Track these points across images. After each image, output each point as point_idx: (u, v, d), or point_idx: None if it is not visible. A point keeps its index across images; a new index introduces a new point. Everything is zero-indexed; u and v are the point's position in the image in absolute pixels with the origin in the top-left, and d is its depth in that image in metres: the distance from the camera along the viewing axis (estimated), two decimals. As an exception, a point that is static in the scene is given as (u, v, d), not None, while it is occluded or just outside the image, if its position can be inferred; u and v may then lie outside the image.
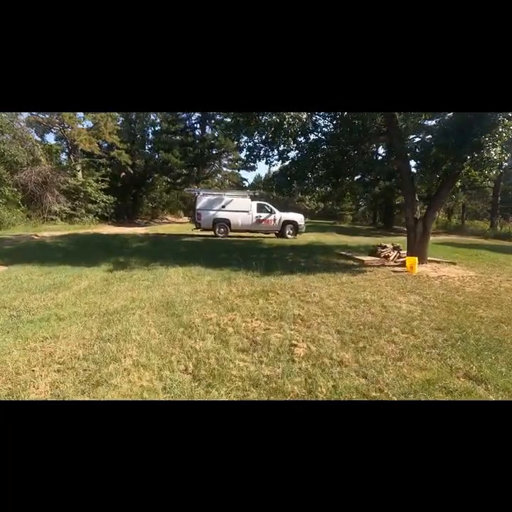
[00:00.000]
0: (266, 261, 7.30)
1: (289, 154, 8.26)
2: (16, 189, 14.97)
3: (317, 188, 8.35)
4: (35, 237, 11.48)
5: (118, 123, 26.30)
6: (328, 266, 6.99)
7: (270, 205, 13.46)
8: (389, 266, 7.26)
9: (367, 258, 7.85)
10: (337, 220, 36.11)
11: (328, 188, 8.53)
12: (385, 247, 8.28)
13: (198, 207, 12.63)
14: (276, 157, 8.23)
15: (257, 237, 13.21)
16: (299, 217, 13.32)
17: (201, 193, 12.84)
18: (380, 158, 18.91)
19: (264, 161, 8.32)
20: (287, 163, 8.31)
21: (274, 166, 8.26)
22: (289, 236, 12.87)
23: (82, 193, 20.61)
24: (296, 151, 8.36)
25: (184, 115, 26.08)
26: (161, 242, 10.63)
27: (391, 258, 7.88)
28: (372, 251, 8.50)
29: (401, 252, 8.21)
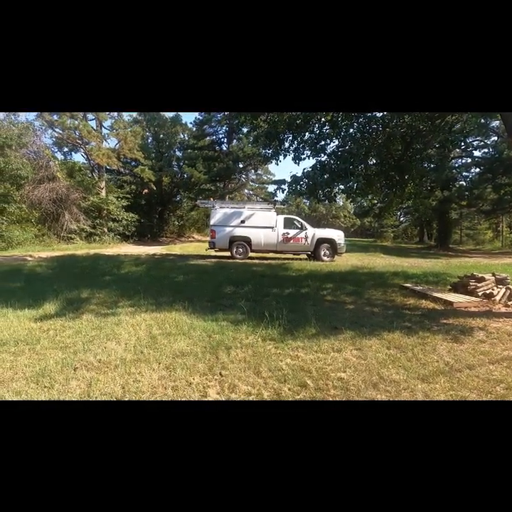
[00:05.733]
0: (292, 301, 4.71)
1: (328, 145, 5.78)
2: (23, 205, 14.08)
3: (369, 190, 5.65)
4: (28, 259, 10.05)
5: (147, 141, 26.02)
6: (396, 313, 4.21)
7: (300, 220, 10.89)
8: (501, 314, 4.27)
9: (454, 298, 4.90)
10: (377, 238, 32.53)
11: (386, 192, 5.79)
12: (482, 278, 5.27)
13: (211, 222, 10.44)
14: (308, 150, 5.78)
15: (284, 259, 10.63)
16: (336, 234, 10.52)
17: (217, 206, 10.68)
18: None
19: (292, 155, 5.91)
20: (324, 157, 5.80)
21: (305, 158, 5.55)
22: (325, 258, 10.06)
23: (104, 211, 19.74)
24: (336, 142, 5.88)
25: (210, 130, 25.02)
26: (162, 265, 8.51)
27: (499, 298, 4.86)
28: (458, 285, 5.53)
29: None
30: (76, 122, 17.83)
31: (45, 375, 2.29)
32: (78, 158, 22.57)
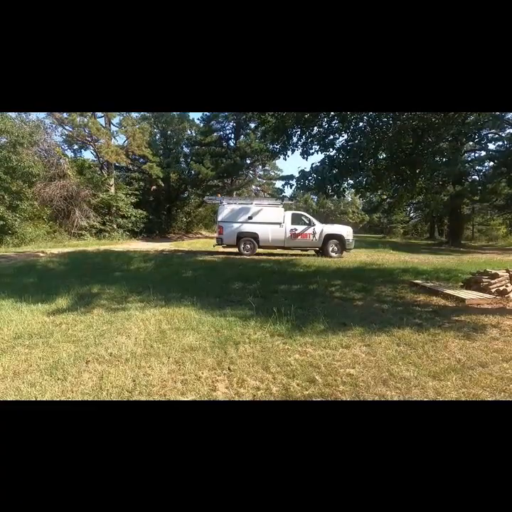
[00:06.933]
0: (300, 297, 4.70)
1: (337, 140, 5.70)
2: (35, 203, 14.34)
3: (379, 185, 5.55)
4: (41, 255, 10.26)
5: (155, 137, 26.12)
6: (406, 310, 4.15)
7: (308, 216, 10.81)
8: (516, 311, 4.17)
9: (466, 294, 4.80)
10: (386, 234, 32.11)
11: (396, 187, 5.69)
12: (496, 275, 5.14)
13: (219, 219, 10.46)
14: (317, 144, 5.71)
15: (292, 255, 10.60)
16: (345, 230, 10.41)
17: (224, 202, 10.68)
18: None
19: (300, 150, 5.85)
20: (333, 152, 5.72)
21: (313, 153, 5.49)
22: (333, 254, 9.99)
23: (113, 208, 19.97)
24: (345, 136, 5.78)
25: (217, 126, 24.97)
26: (170, 261, 8.58)
27: (513, 295, 4.75)
28: (471, 281, 5.42)
29: (526, 284, 5.01)
30: (85, 120, 18.01)
31: (58, 368, 2.35)
32: (88, 155, 22.85)
